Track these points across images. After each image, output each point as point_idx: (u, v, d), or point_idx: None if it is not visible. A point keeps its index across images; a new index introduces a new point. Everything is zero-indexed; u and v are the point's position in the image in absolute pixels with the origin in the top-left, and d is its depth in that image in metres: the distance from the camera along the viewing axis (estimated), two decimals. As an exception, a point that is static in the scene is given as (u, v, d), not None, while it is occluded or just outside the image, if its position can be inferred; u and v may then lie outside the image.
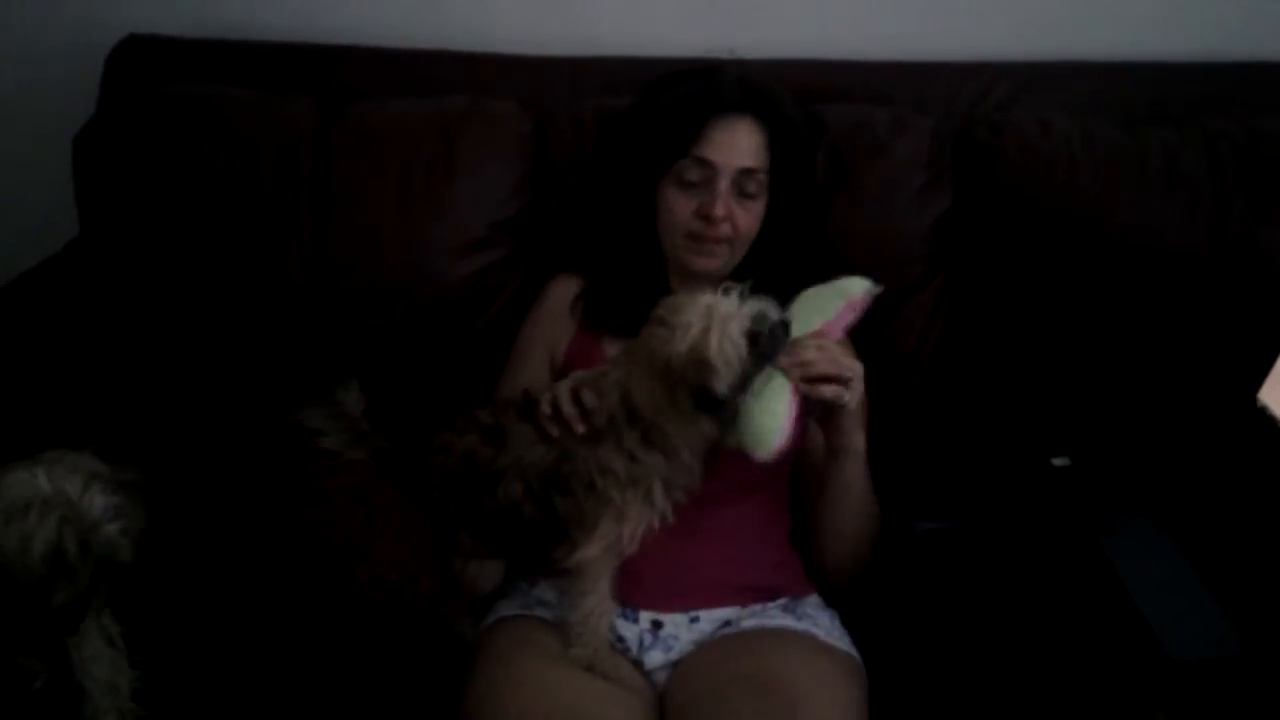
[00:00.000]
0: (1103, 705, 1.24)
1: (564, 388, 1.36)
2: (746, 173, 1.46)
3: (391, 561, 1.35)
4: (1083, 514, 1.42)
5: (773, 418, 1.29)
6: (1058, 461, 1.52)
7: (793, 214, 1.53)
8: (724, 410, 1.27)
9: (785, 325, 1.31)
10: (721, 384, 1.25)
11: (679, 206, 1.49)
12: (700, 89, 1.50)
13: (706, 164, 1.46)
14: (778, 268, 1.53)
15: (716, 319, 1.26)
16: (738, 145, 1.46)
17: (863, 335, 1.63)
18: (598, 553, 1.32)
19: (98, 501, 1.22)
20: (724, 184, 1.46)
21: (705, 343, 1.25)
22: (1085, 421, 1.71)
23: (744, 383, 1.27)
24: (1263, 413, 1.53)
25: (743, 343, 1.26)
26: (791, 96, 1.57)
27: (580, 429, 1.32)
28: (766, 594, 1.44)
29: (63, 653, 1.27)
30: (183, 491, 1.45)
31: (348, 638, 1.35)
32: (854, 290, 1.40)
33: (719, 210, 1.46)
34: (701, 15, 1.94)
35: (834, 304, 1.39)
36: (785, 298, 1.51)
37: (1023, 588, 1.40)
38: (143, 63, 1.90)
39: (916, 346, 1.77)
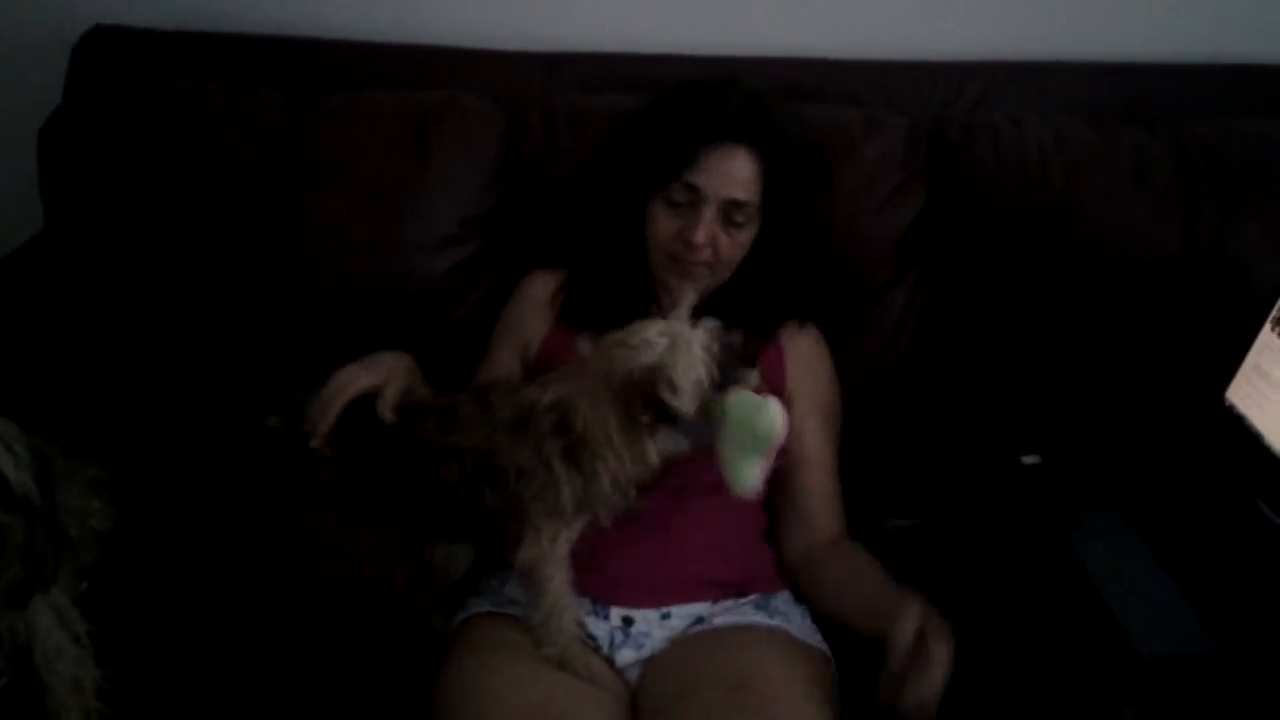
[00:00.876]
0: (1072, 701, 1.25)
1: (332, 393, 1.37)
2: (734, 204, 1.45)
3: (363, 557, 1.33)
4: (1053, 511, 1.43)
5: (752, 470, 1.27)
6: (1028, 459, 1.53)
7: (783, 245, 1.52)
8: (684, 425, 1.27)
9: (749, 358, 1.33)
10: (685, 400, 1.24)
11: (663, 226, 1.48)
12: (703, 112, 1.47)
13: (694, 189, 1.44)
14: (766, 285, 1.54)
15: (679, 338, 1.27)
16: (729, 175, 1.44)
17: (837, 333, 1.65)
18: (536, 554, 1.31)
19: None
20: (709, 211, 1.44)
21: (670, 358, 1.25)
22: (1056, 420, 1.72)
23: (704, 402, 1.26)
24: (1230, 411, 1.55)
25: (704, 358, 1.26)
26: (797, 123, 1.54)
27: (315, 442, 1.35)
28: (738, 589, 1.44)
29: (26, 650, 1.25)
30: (151, 490, 1.43)
31: (320, 634, 1.34)
32: (772, 440, 1.29)
33: (699, 237, 1.44)
34: (677, 12, 1.93)
35: (755, 458, 1.28)
36: (765, 318, 1.55)
37: (993, 585, 1.41)
38: (109, 53, 1.87)
39: (889, 345, 1.77)
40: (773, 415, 1.26)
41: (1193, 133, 1.76)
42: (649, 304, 1.55)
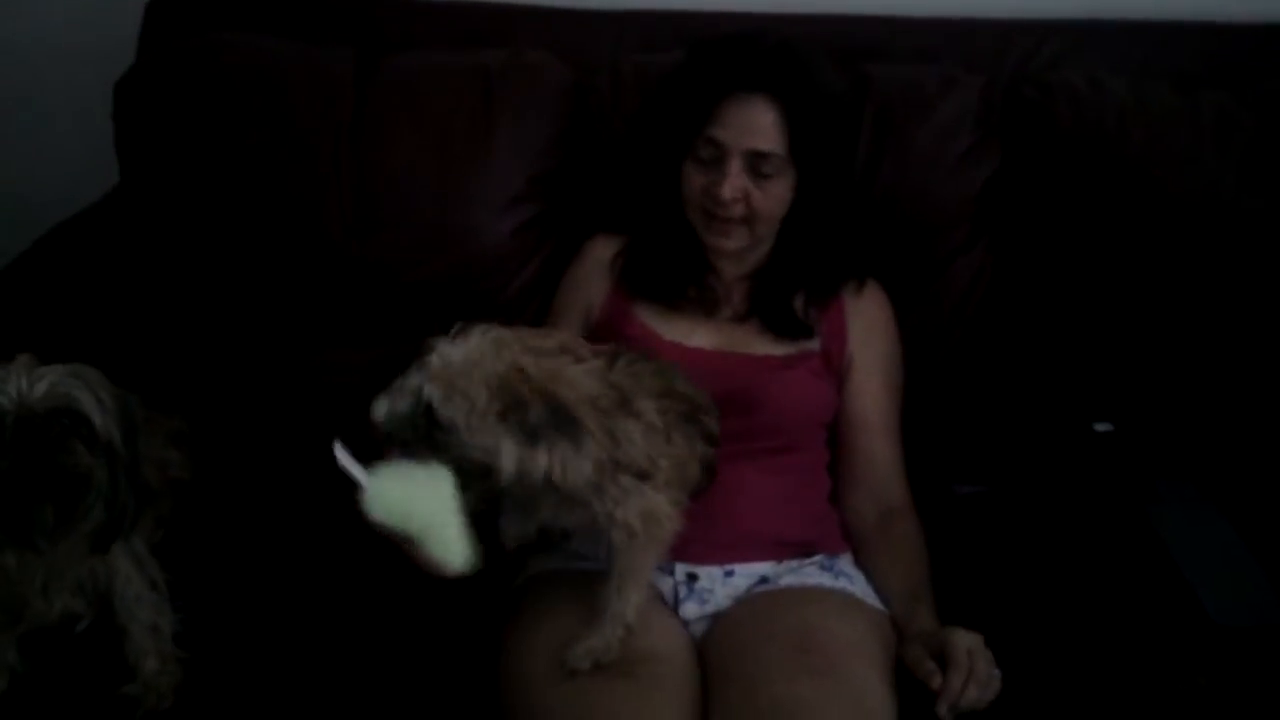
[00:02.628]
0: (1146, 671, 1.23)
1: None
2: (758, 155, 1.42)
3: None
4: (1127, 480, 1.40)
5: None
6: (1100, 427, 1.50)
7: (825, 192, 1.49)
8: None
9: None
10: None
11: (693, 183, 1.47)
12: (719, 64, 1.45)
13: (716, 143, 1.43)
14: (817, 242, 1.52)
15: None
16: (749, 125, 1.42)
17: (906, 295, 1.63)
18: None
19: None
20: (734, 164, 1.43)
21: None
22: (1129, 387, 1.69)
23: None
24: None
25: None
26: (831, 71, 1.50)
27: None
28: (801, 550, 1.43)
29: (107, 597, 1.28)
30: (226, 442, 1.45)
31: (388, 587, 1.36)
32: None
33: (725, 192, 1.42)
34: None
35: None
36: (824, 279, 1.52)
37: (1064, 552, 1.39)
38: (183, 11, 1.89)
39: (960, 307, 1.74)
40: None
41: (1274, 91, 1.70)
42: (704, 270, 1.55)
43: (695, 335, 1.51)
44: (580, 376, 1.19)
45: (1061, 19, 1.86)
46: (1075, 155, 1.69)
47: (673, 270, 1.54)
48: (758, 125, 1.42)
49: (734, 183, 1.43)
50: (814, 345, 1.52)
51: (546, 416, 1.14)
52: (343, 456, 1.14)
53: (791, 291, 1.53)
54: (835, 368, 1.52)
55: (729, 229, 1.47)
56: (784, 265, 1.53)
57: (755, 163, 1.43)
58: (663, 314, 1.53)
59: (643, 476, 1.21)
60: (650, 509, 1.23)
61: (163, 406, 1.46)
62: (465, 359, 1.16)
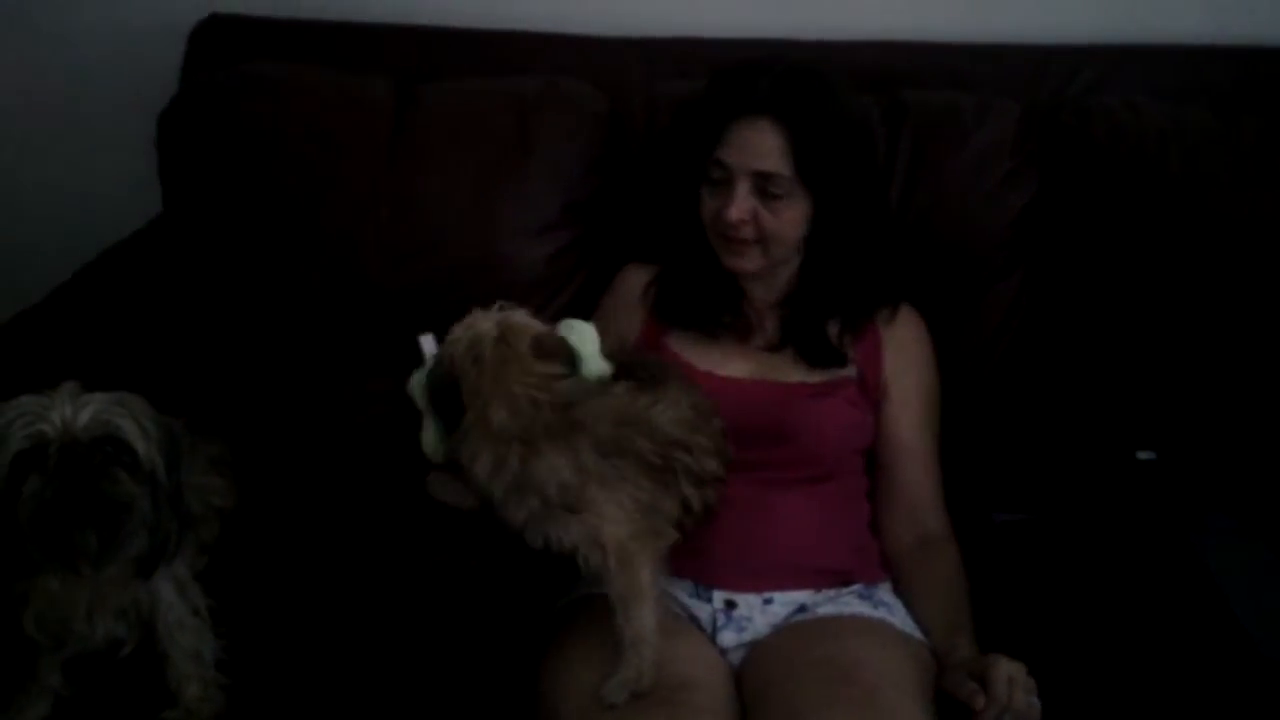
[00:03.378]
0: (1191, 703, 1.21)
1: None
2: (764, 175, 1.43)
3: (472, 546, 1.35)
4: (1171, 509, 1.39)
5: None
6: (1143, 455, 1.49)
7: (846, 216, 1.49)
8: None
9: None
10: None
11: (708, 207, 1.48)
12: (728, 89, 1.47)
13: (724, 166, 1.44)
14: (845, 267, 1.51)
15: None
16: (754, 147, 1.43)
17: (945, 321, 1.62)
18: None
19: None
20: (741, 186, 1.44)
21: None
22: (1171, 414, 1.67)
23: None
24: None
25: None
26: (843, 95, 1.50)
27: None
28: (840, 579, 1.42)
29: (150, 622, 1.29)
30: (268, 468, 1.46)
31: (428, 613, 1.36)
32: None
33: (732, 213, 1.44)
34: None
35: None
36: (856, 304, 1.53)
37: (1107, 582, 1.38)
38: (224, 41, 1.92)
39: (997, 334, 1.74)
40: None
41: (1315, 115, 1.69)
42: (737, 299, 1.55)
43: (729, 364, 1.51)
44: (523, 391, 1.22)
45: (1098, 43, 1.86)
46: (1114, 180, 1.69)
47: (704, 298, 1.54)
48: (763, 147, 1.43)
49: (740, 205, 1.44)
50: (849, 372, 1.51)
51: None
52: (428, 345, 1.29)
53: (824, 318, 1.53)
54: (871, 395, 1.51)
55: (742, 250, 1.48)
56: (814, 291, 1.53)
57: (762, 184, 1.44)
58: (696, 343, 1.53)
59: (567, 508, 1.22)
60: (597, 538, 1.23)
61: (205, 432, 1.47)
62: (459, 335, 1.27)
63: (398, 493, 1.39)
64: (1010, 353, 1.74)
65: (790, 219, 1.46)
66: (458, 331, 1.29)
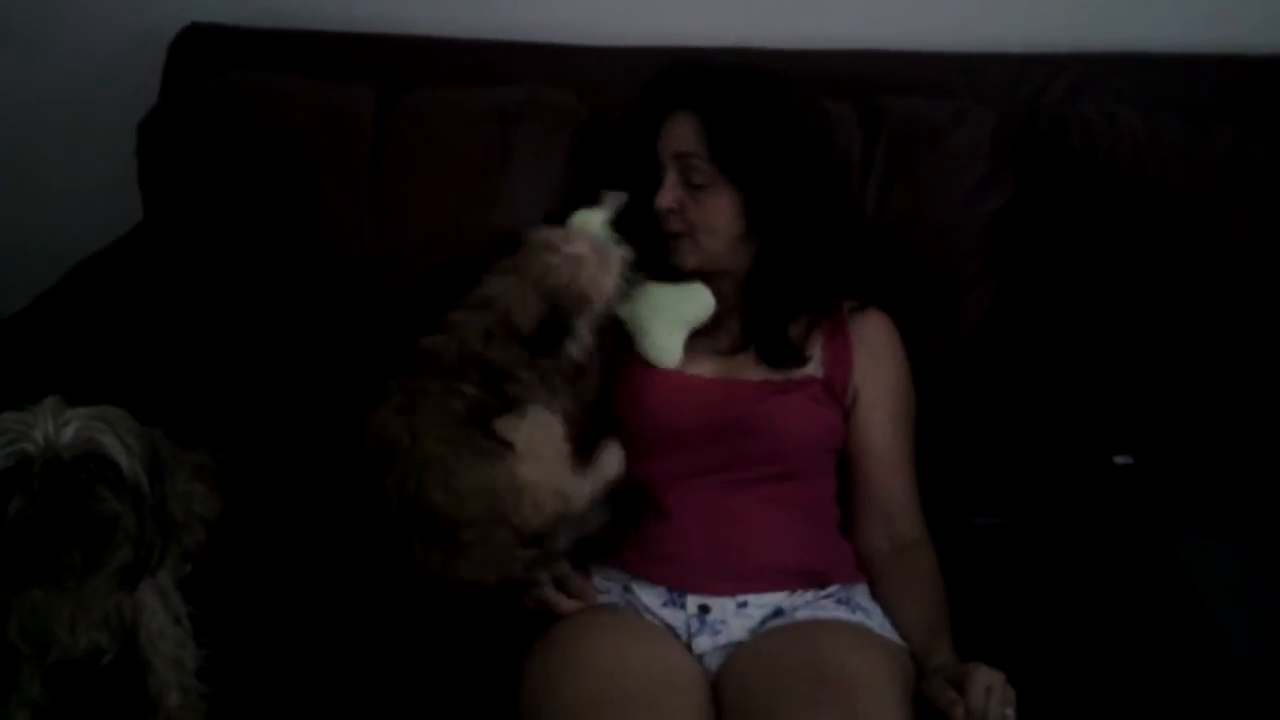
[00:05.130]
0: (1168, 705, 1.22)
1: None
2: (683, 159, 1.48)
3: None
4: (1147, 513, 1.40)
5: (675, 341, 1.49)
6: (1120, 459, 1.50)
7: (778, 207, 1.49)
8: (567, 338, 1.40)
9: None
10: (589, 320, 1.42)
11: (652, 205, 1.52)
12: (654, 87, 1.55)
13: (656, 158, 1.51)
14: (795, 264, 1.52)
15: (607, 257, 1.44)
16: (674, 134, 1.49)
17: (921, 327, 1.64)
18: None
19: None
20: (670, 176, 1.49)
21: (596, 279, 1.42)
22: (1149, 420, 1.68)
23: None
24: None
25: (621, 283, 1.43)
26: (777, 90, 1.52)
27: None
28: (814, 579, 1.43)
29: (131, 631, 1.29)
30: (251, 477, 1.46)
31: (411, 623, 1.36)
32: (702, 317, 1.50)
33: (660, 200, 1.49)
34: (762, 5, 1.93)
35: (680, 332, 1.50)
36: (813, 302, 1.55)
37: (1083, 586, 1.39)
38: (204, 51, 1.92)
39: (973, 339, 1.74)
40: (703, 300, 1.49)
41: (1290, 123, 1.70)
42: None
43: (692, 365, 1.52)
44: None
45: (1074, 52, 1.88)
46: (1089, 187, 1.70)
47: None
48: (681, 132, 1.49)
49: (667, 193, 1.49)
50: (815, 371, 1.52)
51: None
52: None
53: (782, 317, 1.53)
54: (839, 395, 1.52)
55: (677, 244, 1.52)
56: (768, 289, 1.54)
57: (686, 172, 1.48)
58: None
59: None
60: None
61: (188, 440, 1.47)
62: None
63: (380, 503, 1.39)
64: (986, 358, 1.75)
65: (714, 208, 1.49)
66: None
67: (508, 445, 1.35)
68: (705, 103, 1.49)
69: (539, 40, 1.92)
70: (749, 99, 1.50)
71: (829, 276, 1.55)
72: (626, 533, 1.43)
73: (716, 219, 1.49)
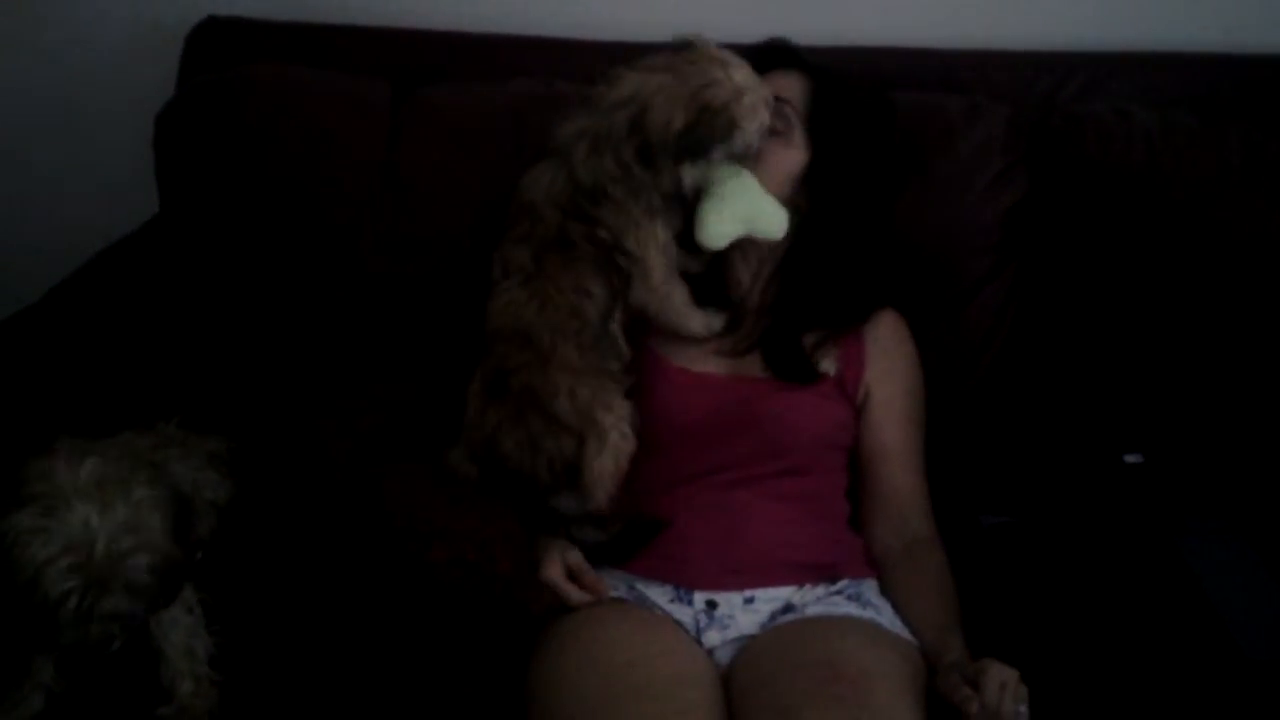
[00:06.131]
0: (1177, 704, 1.22)
1: None
2: (779, 101, 1.47)
3: (471, 542, 1.35)
4: (1157, 512, 1.40)
5: (726, 235, 1.42)
6: (1130, 458, 1.50)
7: (838, 181, 1.51)
8: (703, 154, 1.37)
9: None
10: (734, 144, 1.37)
11: None
12: (766, 49, 1.58)
13: None
14: (828, 280, 1.53)
15: (762, 98, 1.39)
16: (778, 82, 1.49)
17: (931, 324, 1.63)
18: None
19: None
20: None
21: (750, 114, 1.37)
22: (1160, 418, 1.67)
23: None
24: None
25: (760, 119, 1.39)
26: (865, 94, 1.59)
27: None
28: (822, 573, 1.43)
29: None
30: (263, 465, 1.47)
31: (421, 613, 1.37)
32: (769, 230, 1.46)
33: None
34: (777, 1, 1.92)
35: (738, 230, 1.44)
36: (838, 318, 1.54)
37: (1093, 584, 1.38)
38: (221, 43, 1.93)
39: (985, 338, 1.74)
40: (778, 220, 1.43)
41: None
42: (722, 300, 1.56)
43: (703, 361, 1.52)
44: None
45: (1089, 51, 1.87)
46: (1103, 185, 1.70)
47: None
48: (783, 82, 1.51)
49: None
50: (827, 368, 1.51)
51: None
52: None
53: (800, 330, 1.53)
54: (850, 393, 1.52)
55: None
56: (793, 299, 1.54)
57: (775, 111, 1.46)
58: (676, 342, 1.53)
59: None
60: None
61: (202, 428, 1.49)
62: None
63: (393, 490, 1.40)
64: (998, 355, 1.74)
65: (783, 154, 1.48)
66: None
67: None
68: (818, 71, 1.54)
69: (554, 35, 1.93)
70: (855, 86, 1.56)
71: (856, 291, 1.56)
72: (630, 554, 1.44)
73: (786, 163, 1.49)
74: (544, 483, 1.42)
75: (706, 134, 1.35)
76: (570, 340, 1.40)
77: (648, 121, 1.36)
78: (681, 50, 1.42)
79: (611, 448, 1.40)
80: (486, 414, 1.43)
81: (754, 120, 1.38)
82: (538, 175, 1.43)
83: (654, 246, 1.41)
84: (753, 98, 1.38)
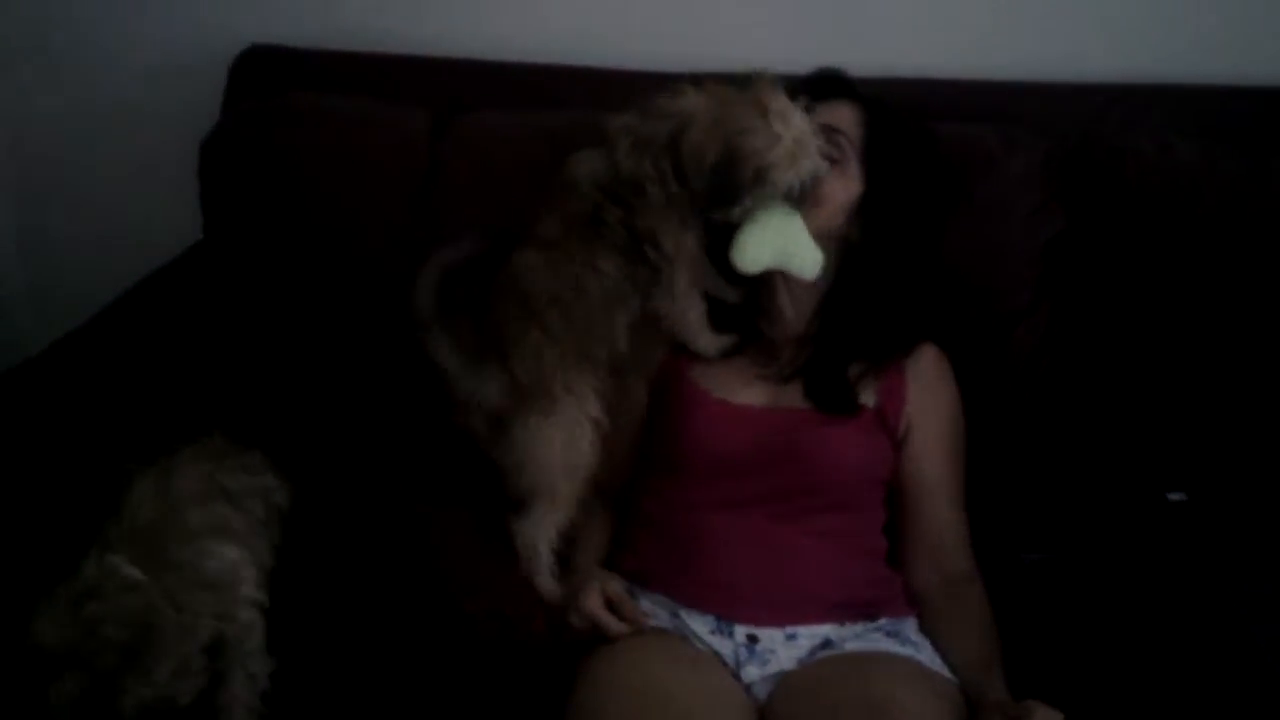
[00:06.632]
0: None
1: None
2: (830, 130, 1.47)
3: (509, 596, 1.37)
4: (1200, 551, 1.38)
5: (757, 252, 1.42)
6: (1174, 496, 1.48)
7: (891, 215, 1.51)
8: (732, 203, 1.37)
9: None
10: (766, 191, 1.37)
11: None
12: (817, 79, 1.59)
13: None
14: (873, 313, 1.53)
15: (806, 147, 1.38)
16: (828, 112, 1.49)
17: (971, 358, 1.63)
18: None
19: None
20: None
21: (785, 167, 1.37)
22: (1202, 455, 1.66)
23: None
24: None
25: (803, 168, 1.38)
26: (925, 138, 1.60)
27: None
28: (863, 611, 1.42)
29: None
30: (315, 505, 1.48)
31: (456, 664, 1.38)
32: (804, 275, 1.46)
33: None
34: (814, 33, 1.94)
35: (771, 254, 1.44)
36: (881, 351, 1.54)
37: (1134, 623, 1.37)
38: (264, 72, 1.96)
39: (1025, 371, 1.72)
40: (812, 258, 1.43)
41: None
42: (757, 334, 1.57)
43: (743, 393, 1.52)
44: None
45: (1128, 83, 1.86)
46: (1144, 218, 1.69)
47: (723, 329, 1.54)
48: (839, 113, 1.51)
49: None
50: (868, 401, 1.50)
51: None
52: None
53: (844, 361, 1.52)
54: (891, 427, 1.51)
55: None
56: (835, 330, 1.54)
57: (829, 141, 1.46)
58: (714, 373, 1.54)
59: None
60: None
61: (243, 440, 1.51)
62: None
63: (436, 540, 1.41)
64: (1037, 390, 1.73)
65: (836, 184, 1.48)
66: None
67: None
68: (870, 102, 1.54)
69: (594, 65, 1.94)
70: (909, 120, 1.56)
71: (899, 325, 1.55)
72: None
73: (840, 194, 1.49)
74: (480, 438, 1.43)
75: (733, 180, 1.36)
76: (559, 309, 1.41)
77: (683, 143, 1.37)
78: (745, 83, 1.42)
79: (560, 429, 1.40)
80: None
81: (790, 169, 1.38)
82: (583, 157, 1.44)
83: (684, 253, 1.41)
84: (792, 145, 1.37)
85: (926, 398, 1.54)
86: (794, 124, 1.38)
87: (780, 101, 1.39)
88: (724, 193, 1.37)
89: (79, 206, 2.25)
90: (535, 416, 1.41)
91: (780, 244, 1.43)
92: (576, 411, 1.42)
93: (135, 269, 1.89)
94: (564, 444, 1.42)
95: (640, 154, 1.38)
